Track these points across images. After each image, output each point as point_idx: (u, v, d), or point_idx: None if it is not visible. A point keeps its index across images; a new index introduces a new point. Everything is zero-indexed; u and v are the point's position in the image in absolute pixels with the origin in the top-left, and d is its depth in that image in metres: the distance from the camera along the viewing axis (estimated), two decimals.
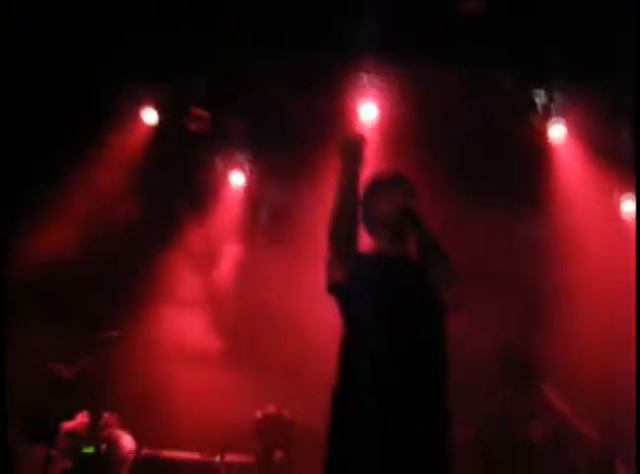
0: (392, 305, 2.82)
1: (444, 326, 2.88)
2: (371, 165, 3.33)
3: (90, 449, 5.22)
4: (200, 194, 6.78)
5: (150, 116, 6.14)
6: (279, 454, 5.64)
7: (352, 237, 2.87)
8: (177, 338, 6.19)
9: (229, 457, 5.58)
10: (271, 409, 5.80)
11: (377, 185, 3.07)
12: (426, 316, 2.84)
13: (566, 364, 5.57)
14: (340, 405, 2.76)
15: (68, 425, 5.33)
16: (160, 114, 6.15)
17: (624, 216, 6.35)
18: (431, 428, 2.72)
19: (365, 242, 3.05)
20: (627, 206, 6.37)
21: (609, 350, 5.82)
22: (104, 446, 5.26)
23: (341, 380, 2.78)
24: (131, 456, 5.39)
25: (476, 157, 5.89)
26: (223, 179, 6.88)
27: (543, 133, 5.83)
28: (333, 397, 2.79)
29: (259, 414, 5.81)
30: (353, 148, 2.96)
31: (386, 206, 2.97)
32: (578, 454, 5.10)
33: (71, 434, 5.28)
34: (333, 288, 2.89)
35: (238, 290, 6.77)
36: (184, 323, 6.31)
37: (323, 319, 3.52)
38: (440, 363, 2.82)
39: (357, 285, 2.83)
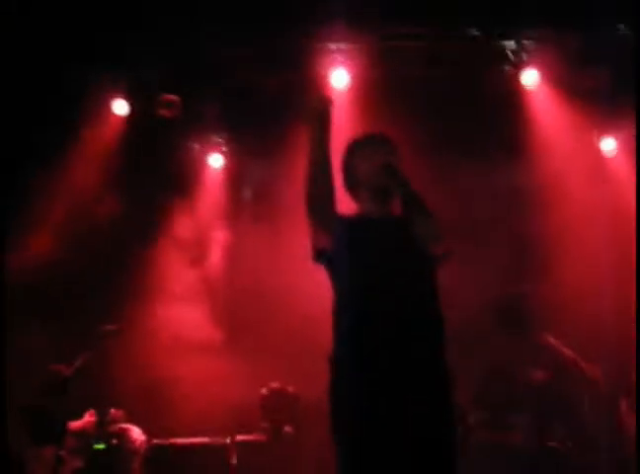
0: (380, 267, 2.79)
1: (436, 283, 2.87)
2: (348, 130, 3.31)
3: (101, 446, 5.22)
4: (180, 180, 6.73)
5: (121, 106, 6.06)
6: (288, 429, 5.66)
7: (328, 200, 2.82)
8: (174, 328, 6.17)
9: (239, 438, 5.59)
10: (275, 385, 5.82)
11: (356, 145, 3.03)
12: (416, 275, 2.82)
13: (556, 308, 5.59)
14: (338, 371, 2.75)
15: (76, 424, 5.34)
16: (130, 103, 6.07)
17: (604, 154, 6.36)
18: (432, 386, 2.72)
19: (350, 207, 3.03)
20: (606, 145, 6.37)
21: (597, 291, 5.86)
22: (114, 441, 5.27)
23: (337, 347, 2.77)
24: (143, 448, 5.41)
25: (452, 111, 5.85)
26: (202, 162, 6.83)
27: (516, 80, 5.79)
28: (330, 364, 2.78)
29: (264, 390, 5.82)
30: (319, 109, 2.90)
31: (367, 166, 2.93)
32: (581, 394, 5.15)
33: (79, 434, 5.29)
34: (320, 257, 2.87)
35: (229, 274, 6.74)
36: (180, 313, 6.28)
37: (314, 291, 3.51)
38: (435, 321, 2.81)
39: (343, 251, 2.81)
